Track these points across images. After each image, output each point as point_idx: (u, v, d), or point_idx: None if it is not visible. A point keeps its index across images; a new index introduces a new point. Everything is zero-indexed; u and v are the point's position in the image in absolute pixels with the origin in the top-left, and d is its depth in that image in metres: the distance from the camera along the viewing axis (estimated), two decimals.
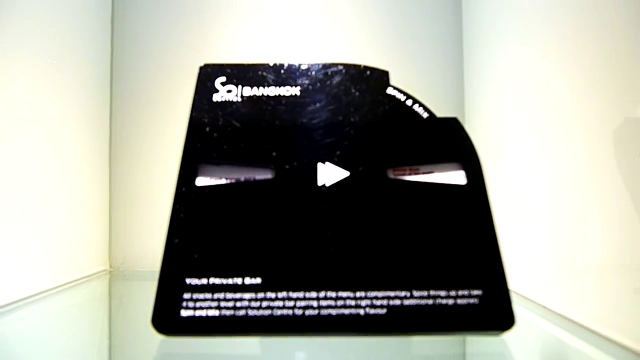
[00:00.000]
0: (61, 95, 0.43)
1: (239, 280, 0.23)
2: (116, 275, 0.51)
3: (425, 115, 0.29)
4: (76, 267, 0.46)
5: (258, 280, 0.23)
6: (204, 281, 0.23)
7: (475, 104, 0.51)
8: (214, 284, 0.23)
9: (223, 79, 0.31)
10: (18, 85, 0.37)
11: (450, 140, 0.28)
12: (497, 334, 0.23)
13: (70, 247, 0.45)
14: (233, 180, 0.26)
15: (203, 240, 0.24)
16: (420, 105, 0.29)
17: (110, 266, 0.53)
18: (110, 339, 0.31)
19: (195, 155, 0.27)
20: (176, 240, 0.24)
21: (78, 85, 0.46)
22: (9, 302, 0.34)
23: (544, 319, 0.32)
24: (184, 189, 0.26)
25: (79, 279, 0.45)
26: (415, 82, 0.53)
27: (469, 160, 0.27)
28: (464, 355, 0.27)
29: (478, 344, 0.26)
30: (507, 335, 0.23)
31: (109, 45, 0.53)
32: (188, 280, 0.23)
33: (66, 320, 0.35)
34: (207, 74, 0.31)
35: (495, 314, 0.23)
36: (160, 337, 0.22)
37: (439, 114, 0.29)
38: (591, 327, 0.27)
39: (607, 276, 0.27)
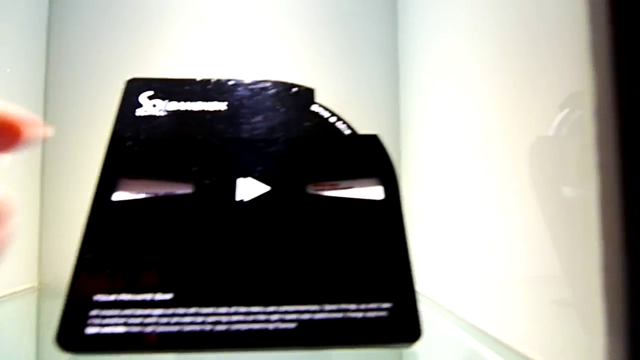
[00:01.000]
0: None
1: (148, 297, 0.23)
2: (45, 293, 0.49)
3: (347, 132, 0.29)
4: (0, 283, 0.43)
5: (169, 296, 0.23)
6: (112, 297, 0.23)
7: (409, 116, 0.53)
8: (122, 301, 0.23)
9: (150, 93, 0.30)
10: None
11: (369, 157, 0.29)
12: (406, 346, 0.24)
13: None
14: (151, 195, 0.26)
15: (115, 255, 0.24)
16: (344, 122, 0.30)
17: (40, 283, 0.51)
18: None
19: (114, 170, 0.27)
20: (87, 256, 0.24)
21: (9, 98, 0.44)
22: None
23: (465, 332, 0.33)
24: (99, 203, 0.26)
25: (3, 296, 0.43)
26: (352, 96, 0.54)
27: (387, 176, 0.28)
28: None
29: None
30: (420, 346, 0.23)
31: (43, 59, 0.52)
32: (96, 297, 0.23)
33: None
34: (133, 88, 0.31)
35: (402, 326, 0.23)
36: (66, 355, 0.22)
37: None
38: (502, 339, 0.28)
39: (522, 289, 0.28)
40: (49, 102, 0.51)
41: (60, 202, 0.50)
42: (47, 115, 0.50)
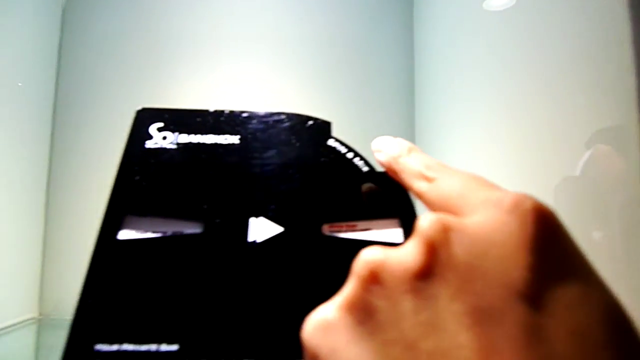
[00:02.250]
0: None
1: (153, 347, 0.21)
2: (46, 324, 0.47)
3: (365, 169, 0.28)
4: (0, 315, 0.42)
5: (175, 347, 0.21)
6: (114, 347, 0.21)
7: (425, 144, 0.51)
8: (125, 351, 0.21)
9: (160, 124, 0.29)
10: None
11: (388, 195, 0.27)
12: None
13: None
14: (158, 235, 0.25)
15: (119, 301, 0.23)
16: (362, 158, 0.29)
17: (40, 314, 0.49)
18: None
19: (120, 206, 0.25)
20: (90, 301, 0.22)
21: (17, 134, 0.44)
22: None
23: None
24: (104, 242, 0.24)
25: (3, 329, 0.42)
26: (368, 129, 0.53)
27: (406, 216, 0.26)
28: None
29: None
30: None
31: (52, 89, 0.51)
32: (97, 347, 0.21)
33: None
34: (143, 119, 0.30)
35: None
36: None
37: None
38: None
39: None
40: (56, 131, 0.50)
41: (63, 234, 0.49)
42: (54, 144, 0.50)
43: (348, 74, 0.54)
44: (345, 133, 0.31)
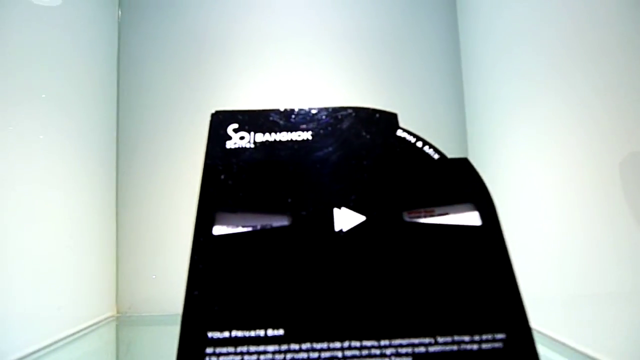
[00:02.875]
0: (69, 141, 0.43)
1: (261, 332, 0.23)
2: (123, 321, 0.50)
3: (436, 156, 0.29)
4: (85, 315, 0.45)
5: (281, 332, 0.23)
6: (226, 334, 0.23)
7: (477, 143, 0.52)
8: (236, 337, 0.23)
9: (235, 125, 0.31)
10: (33, 134, 0.37)
11: (462, 181, 0.28)
12: None
13: (78, 294, 0.44)
14: (250, 229, 0.26)
15: (223, 291, 0.24)
16: (431, 146, 0.29)
17: (117, 312, 0.52)
18: None
19: (212, 204, 0.27)
20: (196, 292, 0.24)
21: (84, 140, 0.46)
22: (19, 357, 0.34)
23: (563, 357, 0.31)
24: (201, 238, 0.26)
25: (88, 327, 0.45)
26: (418, 122, 0.54)
27: (483, 201, 0.27)
28: None
29: None
30: None
31: (115, 94, 0.54)
32: (210, 334, 0.23)
33: None
34: (219, 121, 0.31)
35: (520, 357, 0.22)
36: None
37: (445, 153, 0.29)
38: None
39: (621, 311, 0.26)
40: (122, 132, 0.53)
41: (135, 234, 0.51)
42: (119, 146, 0.52)
43: (392, 65, 0.54)
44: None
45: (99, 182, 0.50)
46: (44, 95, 0.40)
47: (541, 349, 0.33)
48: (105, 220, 0.51)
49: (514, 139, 0.42)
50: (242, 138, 0.30)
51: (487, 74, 0.48)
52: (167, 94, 0.55)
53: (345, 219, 0.26)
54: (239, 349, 0.22)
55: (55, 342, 0.39)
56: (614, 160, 0.26)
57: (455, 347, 0.22)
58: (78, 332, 0.43)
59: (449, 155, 0.29)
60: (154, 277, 0.52)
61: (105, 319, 0.50)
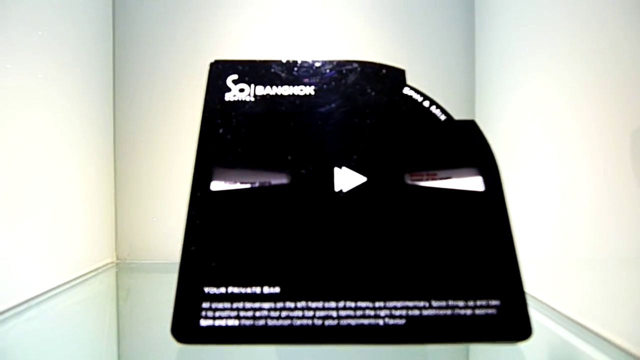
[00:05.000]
0: (65, 91, 0.42)
1: (257, 290, 0.23)
2: (122, 268, 0.51)
3: (442, 117, 0.28)
4: (85, 261, 0.46)
5: (277, 290, 0.23)
6: (222, 290, 0.23)
7: (485, 103, 0.50)
8: (232, 293, 0.23)
9: (235, 76, 0.30)
10: (29, 84, 0.36)
11: (468, 145, 0.27)
12: (514, 344, 0.23)
13: (78, 240, 0.44)
14: (249, 185, 0.26)
15: (220, 247, 0.24)
16: (438, 107, 0.29)
17: (117, 258, 0.53)
18: (118, 333, 0.32)
19: (210, 159, 0.27)
20: (192, 248, 0.24)
21: (81, 85, 0.45)
22: (21, 301, 0.34)
23: (556, 324, 0.32)
24: (199, 193, 0.26)
25: (88, 273, 0.45)
26: (426, 80, 0.53)
27: (487, 166, 0.27)
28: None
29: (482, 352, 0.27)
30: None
31: (110, 44, 0.52)
32: (206, 289, 0.23)
33: (77, 316, 0.35)
34: (218, 71, 0.30)
35: (512, 324, 0.23)
36: (176, 344, 0.22)
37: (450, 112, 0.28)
38: (603, 334, 0.27)
39: (621, 280, 0.27)
40: (118, 83, 0.52)
41: (133, 181, 0.51)
42: (116, 96, 0.51)
43: (402, 16, 0.52)
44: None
45: (97, 125, 0.50)
46: (40, 33, 0.38)
47: (535, 314, 0.33)
48: (104, 171, 0.51)
49: (523, 97, 0.40)
50: (241, 90, 0.29)
51: (500, 26, 0.46)
52: (166, 36, 0.53)
53: (346, 179, 0.26)
54: (234, 305, 0.23)
55: (56, 287, 0.40)
56: (628, 123, 0.26)
57: (449, 312, 0.23)
58: (79, 277, 0.44)
59: (456, 113, 0.28)
60: (154, 219, 0.52)
61: (104, 265, 0.51)
